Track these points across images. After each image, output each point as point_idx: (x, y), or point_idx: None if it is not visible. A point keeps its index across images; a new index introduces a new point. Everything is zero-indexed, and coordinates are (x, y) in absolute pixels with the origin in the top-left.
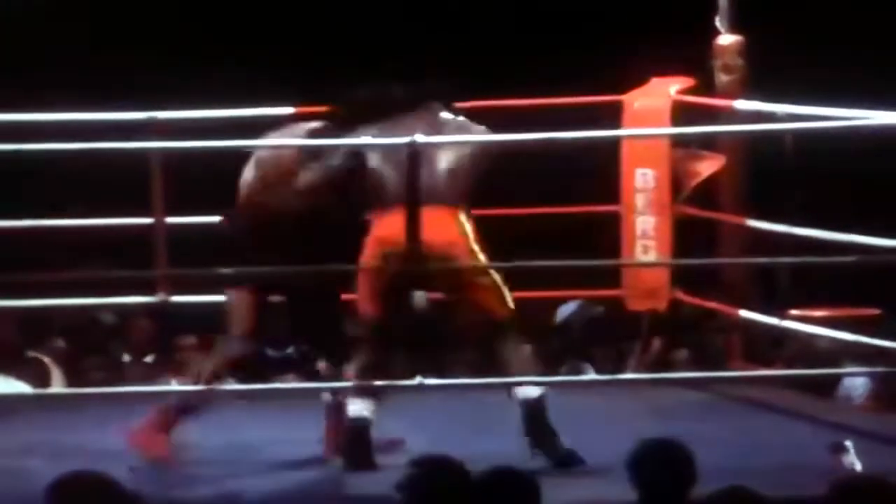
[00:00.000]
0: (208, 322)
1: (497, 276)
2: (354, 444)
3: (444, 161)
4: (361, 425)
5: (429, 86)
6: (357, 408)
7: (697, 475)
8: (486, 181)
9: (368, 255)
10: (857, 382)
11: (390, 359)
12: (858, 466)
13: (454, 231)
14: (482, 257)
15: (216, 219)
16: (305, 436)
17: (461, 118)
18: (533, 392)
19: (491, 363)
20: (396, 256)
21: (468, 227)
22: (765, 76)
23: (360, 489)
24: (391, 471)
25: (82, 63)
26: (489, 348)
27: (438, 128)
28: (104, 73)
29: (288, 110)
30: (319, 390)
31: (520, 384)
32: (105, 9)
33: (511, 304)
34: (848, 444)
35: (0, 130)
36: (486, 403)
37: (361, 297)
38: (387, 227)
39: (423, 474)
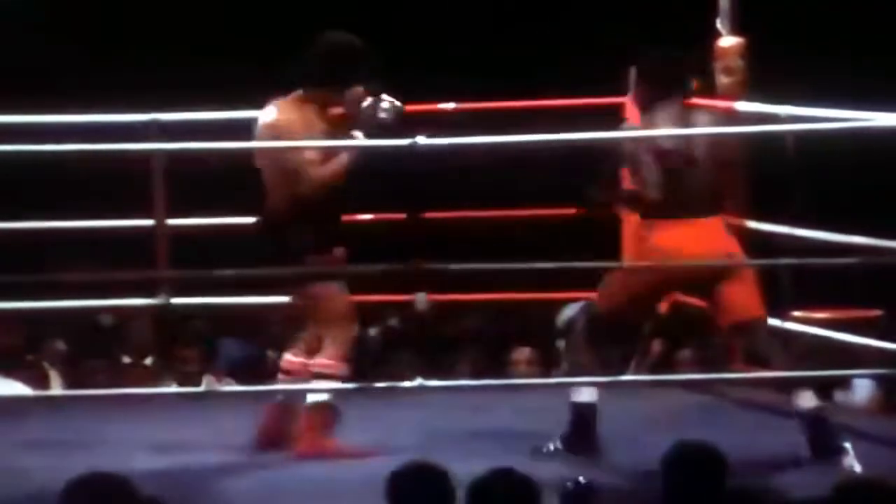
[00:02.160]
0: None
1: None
2: (581, 429)
3: (708, 165)
4: (589, 411)
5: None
6: (585, 394)
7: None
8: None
9: (641, 258)
10: (859, 384)
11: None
12: (858, 468)
13: (731, 241)
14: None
15: (217, 220)
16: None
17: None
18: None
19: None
20: (677, 272)
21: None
22: (766, 78)
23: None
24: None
25: (83, 64)
26: (748, 346)
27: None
28: (105, 74)
29: None
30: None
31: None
32: (105, 9)
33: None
34: (847, 445)
35: (1, 131)
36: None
37: (611, 293)
38: (668, 238)
39: (406, 478)
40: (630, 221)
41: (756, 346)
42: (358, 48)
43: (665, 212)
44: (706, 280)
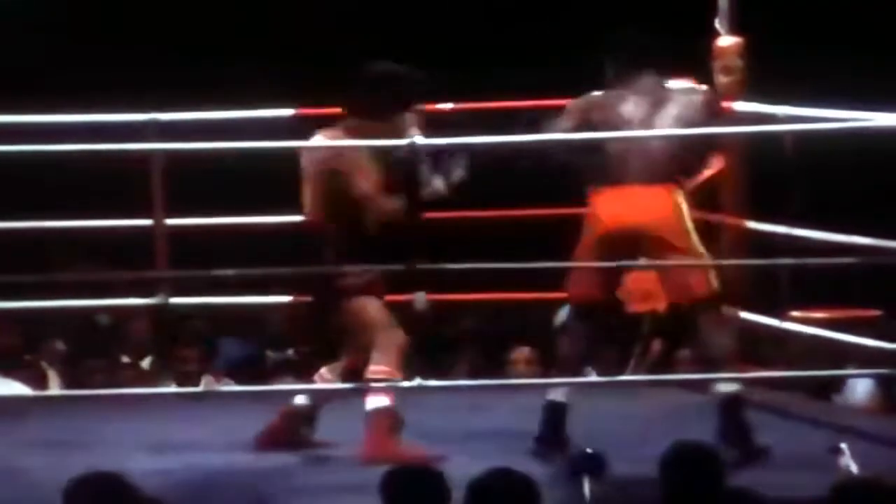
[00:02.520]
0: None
1: (705, 255)
2: (551, 424)
3: (661, 136)
4: (559, 408)
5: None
6: (556, 393)
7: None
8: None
9: (586, 234)
10: (857, 384)
11: (598, 345)
12: (854, 468)
13: (668, 209)
14: (694, 237)
15: (216, 220)
16: (315, 438)
17: (681, 82)
18: (730, 388)
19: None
20: (613, 238)
21: (684, 206)
22: (764, 78)
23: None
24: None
25: (82, 63)
26: (688, 327)
27: (665, 94)
28: (104, 74)
29: (288, 111)
30: (319, 391)
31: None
32: (105, 9)
33: (716, 284)
34: (843, 446)
35: (1, 131)
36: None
37: (577, 280)
38: (603, 206)
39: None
40: None
41: (695, 329)
42: (404, 77)
43: (605, 180)
44: (643, 248)
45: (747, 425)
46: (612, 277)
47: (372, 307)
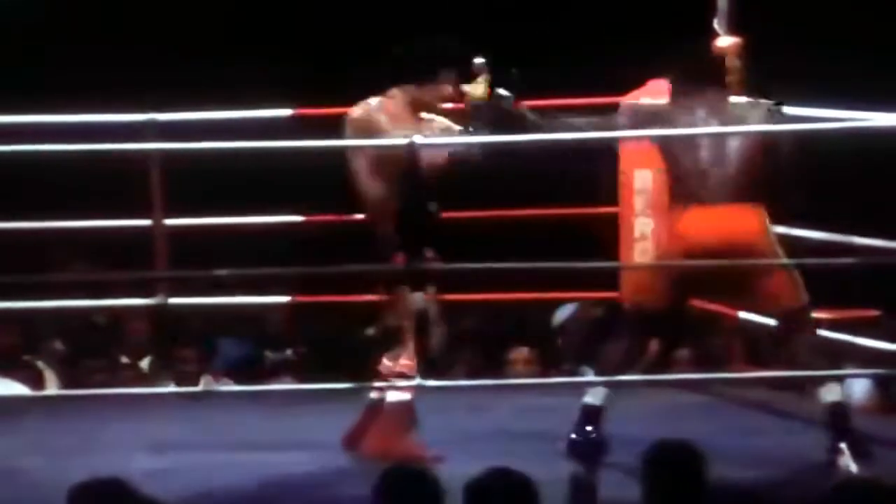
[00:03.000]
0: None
1: (793, 269)
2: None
3: (738, 153)
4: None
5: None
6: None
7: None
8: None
9: (667, 250)
10: (856, 385)
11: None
12: (854, 468)
13: (756, 226)
14: (780, 251)
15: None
16: (314, 438)
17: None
18: (834, 395)
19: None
20: (698, 256)
21: (768, 223)
22: (764, 78)
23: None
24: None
25: (82, 63)
26: (782, 339)
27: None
28: (104, 74)
29: (287, 111)
30: (318, 391)
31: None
32: (105, 9)
33: (806, 296)
34: (843, 445)
35: (0, 131)
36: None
37: (642, 287)
38: (688, 225)
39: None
40: (626, 220)
41: (799, 338)
42: (442, 44)
43: (690, 199)
44: (728, 274)
45: (857, 430)
46: (687, 289)
47: (406, 296)
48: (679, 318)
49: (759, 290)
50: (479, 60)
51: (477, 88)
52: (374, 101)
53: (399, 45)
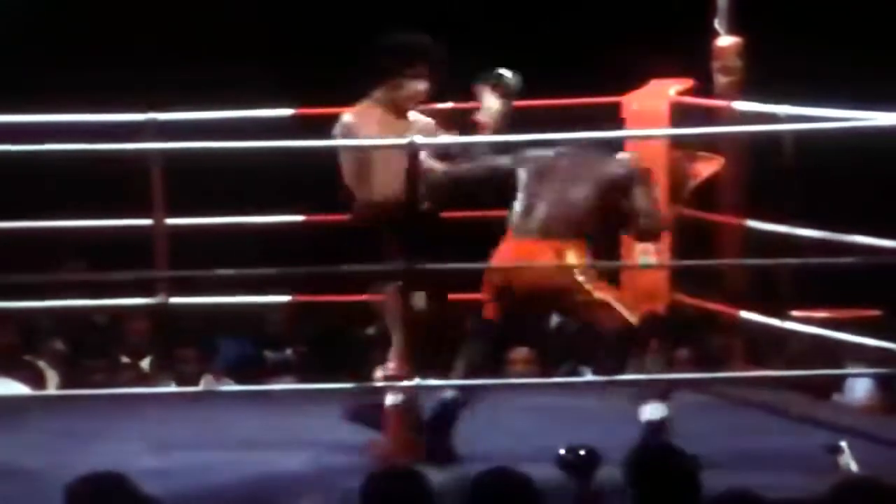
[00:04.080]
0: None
1: (606, 295)
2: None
3: (571, 192)
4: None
5: None
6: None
7: (700, 486)
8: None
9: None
10: (858, 384)
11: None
12: (854, 468)
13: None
14: (588, 287)
15: (216, 220)
16: (314, 438)
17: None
18: (656, 414)
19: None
20: (505, 291)
21: (575, 261)
22: (764, 77)
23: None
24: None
25: (82, 64)
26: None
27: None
28: (105, 74)
29: (287, 111)
30: (318, 391)
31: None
32: (104, 9)
33: (630, 318)
34: (843, 445)
35: (1, 131)
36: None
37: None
38: (499, 257)
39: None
40: None
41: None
42: (408, 42)
43: (511, 227)
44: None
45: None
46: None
47: (395, 296)
48: (517, 323)
49: (581, 314)
50: (507, 73)
51: (494, 103)
52: (359, 105)
53: (365, 47)
